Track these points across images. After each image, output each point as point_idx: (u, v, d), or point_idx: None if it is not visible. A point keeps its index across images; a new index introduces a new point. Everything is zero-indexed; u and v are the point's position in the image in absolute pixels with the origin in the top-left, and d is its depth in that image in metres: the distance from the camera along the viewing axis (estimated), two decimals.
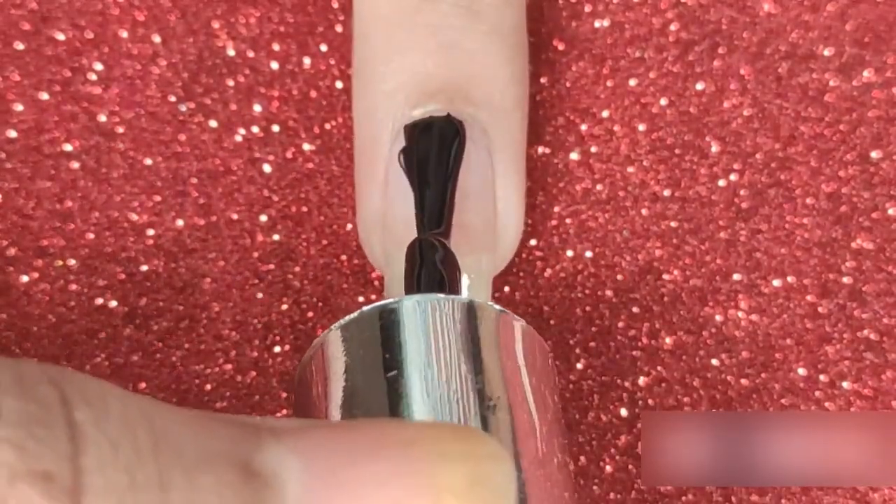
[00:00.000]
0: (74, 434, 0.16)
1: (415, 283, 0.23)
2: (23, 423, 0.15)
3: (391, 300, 0.22)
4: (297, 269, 0.27)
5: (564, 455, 0.22)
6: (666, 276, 0.27)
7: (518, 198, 0.25)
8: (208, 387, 0.26)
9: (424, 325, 0.21)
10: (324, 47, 0.28)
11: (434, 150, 0.24)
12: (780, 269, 0.27)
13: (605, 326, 0.27)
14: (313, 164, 0.28)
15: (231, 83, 0.28)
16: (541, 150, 0.28)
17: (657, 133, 0.28)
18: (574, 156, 0.28)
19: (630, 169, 0.28)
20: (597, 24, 0.29)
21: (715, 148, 0.28)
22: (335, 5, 0.29)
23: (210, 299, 0.27)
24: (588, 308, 0.27)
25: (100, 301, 0.27)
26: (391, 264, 0.25)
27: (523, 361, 0.22)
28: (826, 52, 0.28)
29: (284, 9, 0.28)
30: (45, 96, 0.28)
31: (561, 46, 0.29)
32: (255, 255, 0.27)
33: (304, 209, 0.27)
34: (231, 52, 0.28)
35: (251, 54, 0.28)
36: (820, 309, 0.27)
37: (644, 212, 0.27)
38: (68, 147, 0.27)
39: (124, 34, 0.28)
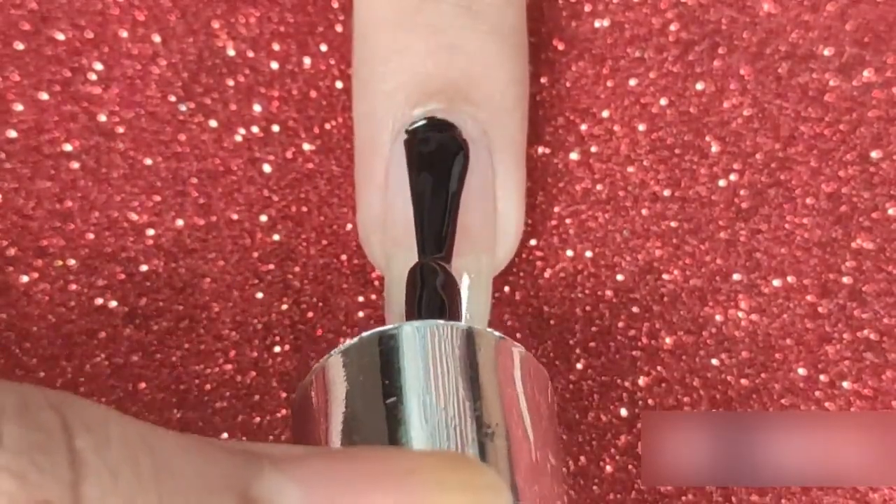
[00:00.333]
0: (75, 461, 0.16)
1: (415, 308, 0.23)
2: (24, 450, 0.15)
3: (391, 326, 0.22)
4: (297, 269, 0.27)
5: (562, 484, 0.22)
6: (666, 276, 0.27)
7: (518, 198, 0.25)
8: (208, 387, 0.26)
9: (423, 351, 0.21)
10: (324, 47, 0.28)
11: (435, 170, 0.24)
12: (780, 269, 0.27)
13: (605, 326, 0.27)
14: (313, 164, 0.28)
15: (231, 83, 0.28)
16: (541, 150, 0.28)
17: (657, 133, 0.28)
18: (574, 156, 0.28)
19: (630, 169, 0.28)
20: (597, 24, 0.29)
21: (715, 148, 0.28)
22: (335, 5, 0.29)
23: (210, 299, 0.27)
24: (588, 308, 0.27)
25: (100, 301, 0.27)
26: (391, 264, 0.25)
27: (522, 388, 0.22)
28: (826, 52, 0.28)
29: (284, 9, 0.28)
30: (45, 96, 0.28)
31: (561, 46, 0.29)
32: (255, 255, 0.27)
33: (304, 209, 0.27)
34: (231, 52, 0.28)
35: (251, 54, 0.28)
36: (820, 309, 0.27)
37: (644, 212, 0.27)
38: (68, 147, 0.27)
39: (124, 34, 0.28)
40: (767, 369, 0.26)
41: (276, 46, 0.28)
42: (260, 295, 0.27)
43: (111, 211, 0.27)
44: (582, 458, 0.26)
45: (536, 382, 0.22)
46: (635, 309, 0.27)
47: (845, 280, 0.27)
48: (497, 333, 0.22)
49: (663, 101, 0.28)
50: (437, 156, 0.25)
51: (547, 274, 0.27)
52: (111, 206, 0.27)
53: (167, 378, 0.26)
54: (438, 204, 0.24)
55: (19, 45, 0.28)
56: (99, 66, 0.28)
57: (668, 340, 0.27)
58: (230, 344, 0.27)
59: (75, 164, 0.27)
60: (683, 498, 0.26)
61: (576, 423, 0.26)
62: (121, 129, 0.27)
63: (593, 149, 0.28)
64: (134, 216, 0.27)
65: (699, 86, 0.28)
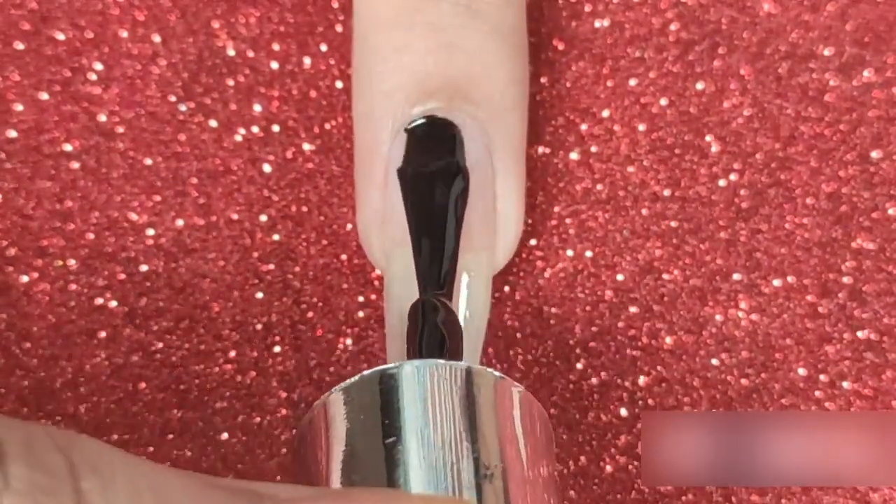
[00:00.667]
0: (81, 502, 0.16)
1: (416, 345, 0.23)
2: (30, 492, 0.16)
3: (391, 365, 0.22)
4: (297, 269, 0.27)
5: None
6: (666, 276, 0.27)
7: (518, 196, 0.25)
8: (208, 387, 0.26)
9: (423, 391, 0.21)
10: (324, 47, 0.28)
11: (433, 203, 0.25)
12: (780, 268, 0.27)
13: (605, 326, 0.27)
14: (313, 164, 0.28)
15: (231, 83, 0.28)
16: (541, 150, 0.28)
17: (657, 133, 0.28)
18: (574, 155, 0.28)
19: (630, 169, 0.28)
20: (597, 23, 0.29)
21: (715, 148, 0.28)
22: (335, 5, 0.29)
23: (210, 299, 0.27)
24: (588, 308, 0.27)
25: (100, 301, 0.27)
26: (391, 263, 0.25)
27: (521, 429, 0.22)
28: (826, 52, 0.28)
29: (284, 9, 0.28)
30: (45, 96, 0.28)
31: (561, 46, 0.29)
32: (255, 255, 0.27)
33: (304, 209, 0.27)
34: (231, 52, 0.28)
35: (251, 54, 0.28)
36: (820, 309, 0.27)
37: (644, 211, 0.27)
38: (68, 147, 0.27)
39: (124, 34, 0.28)
40: (767, 369, 0.26)
41: (276, 46, 0.28)
42: (260, 295, 0.27)
43: (111, 211, 0.27)
44: (582, 458, 0.26)
45: (536, 422, 0.22)
46: (635, 309, 0.27)
47: (845, 280, 0.27)
48: (497, 374, 0.22)
49: (663, 101, 0.28)
50: (435, 184, 0.25)
51: (547, 274, 0.27)
52: (111, 206, 0.27)
53: (167, 378, 0.26)
54: (438, 238, 0.24)
55: (19, 45, 0.28)
56: (99, 66, 0.28)
57: (668, 340, 0.27)
58: (230, 344, 0.27)
59: (75, 164, 0.27)
60: (683, 498, 0.26)
61: (576, 423, 0.26)
62: (121, 129, 0.27)
63: (593, 149, 0.28)
64: (134, 216, 0.27)
65: (699, 86, 0.28)
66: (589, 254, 0.27)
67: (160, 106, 0.28)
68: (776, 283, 0.27)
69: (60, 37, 0.28)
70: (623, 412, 0.26)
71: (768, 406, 0.26)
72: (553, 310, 0.27)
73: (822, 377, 0.26)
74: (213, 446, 0.26)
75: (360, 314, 0.27)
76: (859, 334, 0.27)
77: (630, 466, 0.26)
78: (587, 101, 0.28)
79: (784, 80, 0.28)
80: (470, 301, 0.24)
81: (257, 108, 0.28)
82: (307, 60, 0.28)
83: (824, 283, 0.27)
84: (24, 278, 0.27)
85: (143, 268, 0.27)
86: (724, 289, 0.27)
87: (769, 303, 0.27)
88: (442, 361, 0.22)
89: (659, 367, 0.26)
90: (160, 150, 0.27)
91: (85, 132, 0.27)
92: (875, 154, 0.28)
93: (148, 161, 0.27)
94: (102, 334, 0.26)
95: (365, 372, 0.22)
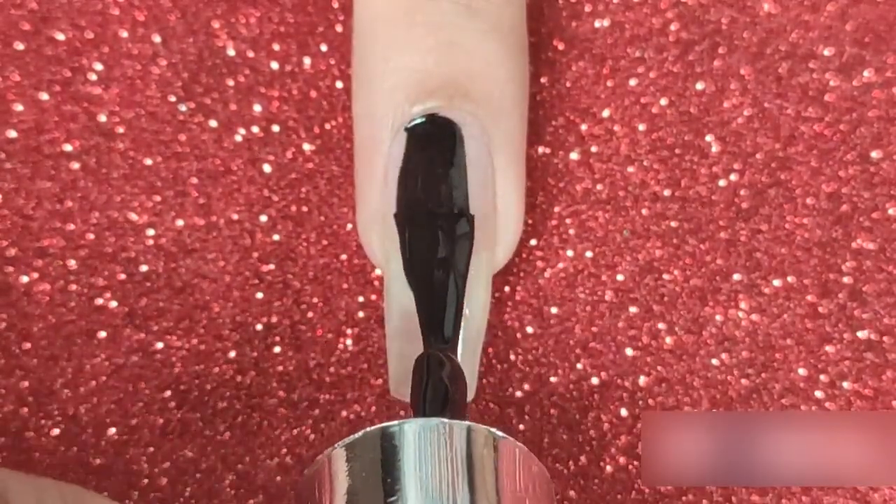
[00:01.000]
0: None
1: (421, 400, 0.23)
2: None
3: (393, 423, 0.22)
4: (297, 269, 0.27)
5: None
6: (666, 276, 0.27)
7: (518, 195, 0.25)
8: (208, 387, 0.26)
9: (424, 450, 0.21)
10: (324, 47, 0.28)
11: (436, 249, 0.24)
12: (781, 269, 0.27)
13: (605, 326, 0.27)
14: (313, 164, 0.28)
15: (231, 83, 0.28)
16: (541, 150, 0.28)
17: (657, 133, 0.28)
18: (574, 156, 0.28)
19: (630, 169, 0.28)
20: (597, 24, 0.29)
21: (715, 148, 0.28)
22: (335, 5, 0.29)
23: (210, 299, 0.27)
24: (588, 308, 0.27)
25: (100, 301, 0.27)
26: (391, 263, 0.25)
27: (523, 488, 0.22)
28: (826, 52, 0.28)
29: (284, 9, 0.28)
30: (45, 96, 0.28)
31: (561, 46, 0.29)
32: (255, 255, 0.27)
33: (304, 209, 0.27)
34: (231, 52, 0.28)
35: (251, 54, 0.28)
36: (820, 309, 0.27)
37: (644, 211, 0.27)
38: (68, 147, 0.27)
39: (124, 34, 0.28)
40: (768, 369, 0.26)
41: (276, 46, 0.28)
42: (260, 295, 0.27)
43: (111, 211, 0.27)
44: (582, 458, 0.26)
45: (535, 480, 0.22)
46: (635, 309, 0.27)
47: (845, 280, 0.27)
48: (497, 433, 0.22)
49: (663, 101, 0.28)
50: (437, 229, 0.24)
51: (547, 274, 0.27)
52: (111, 206, 0.27)
53: (167, 378, 0.26)
54: (441, 289, 0.24)
55: (19, 45, 0.28)
56: (99, 66, 0.28)
57: (668, 340, 0.27)
58: (230, 344, 0.27)
59: (75, 164, 0.27)
60: (683, 498, 0.26)
61: (576, 423, 0.26)
62: (121, 129, 0.27)
63: (593, 149, 0.28)
64: (134, 216, 0.27)
65: (699, 86, 0.28)
66: (589, 254, 0.27)
67: (160, 106, 0.28)
68: (776, 283, 0.27)
69: (60, 37, 0.28)
70: (623, 412, 0.26)
71: (768, 406, 0.26)
72: (553, 310, 0.27)
73: (823, 377, 0.26)
74: (213, 446, 0.26)
75: (360, 314, 0.27)
76: (859, 334, 0.27)
77: (630, 466, 0.26)
78: (587, 101, 0.28)
79: (784, 80, 0.28)
80: (470, 301, 0.24)
81: (257, 108, 0.28)
82: (307, 60, 0.28)
83: (824, 284, 0.27)
84: (24, 278, 0.27)
85: (143, 268, 0.27)
86: (724, 289, 0.27)
87: (769, 303, 0.27)
88: (444, 421, 0.22)
89: (659, 367, 0.26)
90: (160, 150, 0.27)
91: (85, 132, 0.27)
92: (875, 154, 0.28)
93: (148, 161, 0.27)
94: (102, 334, 0.26)
95: (368, 429, 0.22)
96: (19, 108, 0.27)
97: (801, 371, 0.26)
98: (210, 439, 0.26)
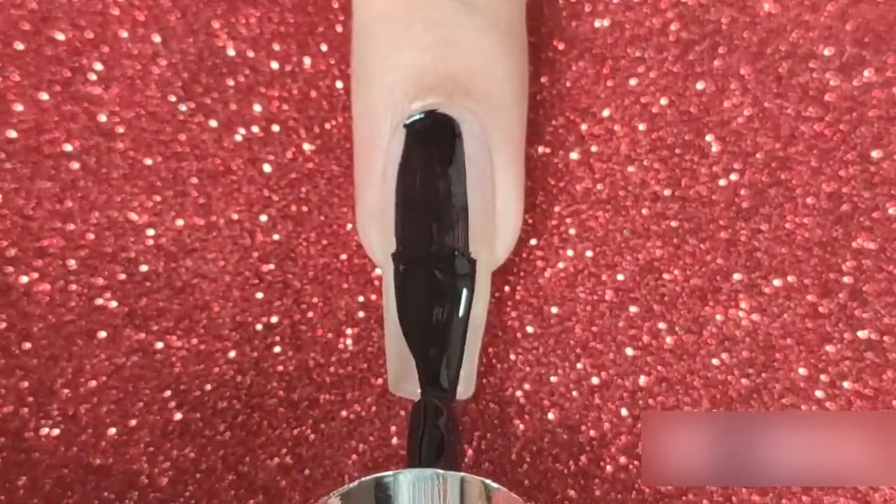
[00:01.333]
0: None
1: (416, 447, 0.23)
2: None
3: (388, 473, 0.22)
4: (297, 269, 0.27)
5: None
6: (666, 276, 0.27)
7: (517, 192, 0.25)
8: (208, 387, 0.26)
9: (418, 500, 0.22)
10: (324, 47, 0.28)
11: (435, 298, 0.24)
12: (781, 268, 0.27)
13: (605, 326, 0.27)
14: (313, 164, 0.28)
15: (231, 83, 0.28)
16: (541, 149, 0.28)
17: (657, 133, 0.28)
18: (574, 155, 0.28)
19: (630, 168, 0.28)
20: (597, 23, 0.29)
21: (715, 147, 0.28)
22: (335, 5, 0.29)
23: (210, 299, 0.27)
24: (588, 308, 0.27)
25: (100, 301, 0.27)
26: (389, 259, 0.25)
27: None
28: (826, 52, 0.28)
29: (284, 9, 0.28)
30: (45, 96, 0.28)
31: (561, 46, 0.29)
32: (255, 255, 0.27)
33: (304, 209, 0.27)
34: (231, 52, 0.28)
35: (251, 54, 0.28)
36: (820, 309, 0.27)
37: (644, 211, 0.27)
38: (68, 147, 0.27)
39: (124, 34, 0.28)
40: (768, 369, 0.26)
41: (276, 46, 0.28)
42: (260, 295, 0.27)
43: (111, 211, 0.27)
44: (582, 458, 0.26)
45: None
46: (636, 309, 0.27)
47: (846, 280, 0.27)
48: (491, 484, 0.22)
49: (663, 101, 0.28)
50: (441, 284, 0.24)
51: (547, 274, 0.27)
52: (111, 206, 0.27)
53: (167, 378, 0.26)
54: (440, 340, 0.24)
55: (19, 45, 0.28)
56: (99, 66, 0.28)
57: (668, 340, 0.27)
58: (230, 344, 0.27)
59: (75, 164, 0.27)
60: (684, 498, 0.26)
61: (576, 423, 0.26)
62: (121, 129, 0.27)
63: (594, 148, 0.28)
64: (134, 216, 0.27)
65: (699, 85, 0.28)
66: (589, 253, 0.27)
67: (160, 106, 0.28)
68: (777, 282, 0.27)
69: (60, 37, 0.28)
70: (623, 412, 0.26)
71: (769, 406, 0.26)
72: (553, 309, 0.27)
73: (823, 377, 0.26)
74: (213, 446, 0.26)
75: (361, 314, 0.27)
76: (860, 334, 0.26)
77: (630, 466, 0.26)
78: (587, 100, 0.28)
79: (784, 80, 0.28)
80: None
81: (257, 108, 0.28)
82: (307, 60, 0.28)
83: (825, 283, 0.27)
84: (24, 278, 0.27)
85: (143, 268, 0.27)
86: (724, 289, 0.27)
87: (770, 303, 0.27)
88: (438, 472, 0.22)
89: (659, 367, 0.26)
90: (160, 150, 0.27)
91: (85, 132, 0.27)
92: (875, 154, 0.28)
93: (148, 161, 0.27)
94: (102, 334, 0.26)
95: (363, 479, 0.22)
96: (19, 108, 0.27)
97: (802, 371, 0.26)
98: (210, 439, 0.26)
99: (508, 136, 0.25)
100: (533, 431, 0.26)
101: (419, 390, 0.24)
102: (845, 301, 0.27)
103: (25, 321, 0.26)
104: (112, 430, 0.26)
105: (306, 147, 0.28)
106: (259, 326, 0.27)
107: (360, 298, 0.27)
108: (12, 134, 0.27)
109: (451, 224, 0.24)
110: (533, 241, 0.27)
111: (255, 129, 0.28)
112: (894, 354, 0.26)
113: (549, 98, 0.28)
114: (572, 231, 0.27)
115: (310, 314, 0.27)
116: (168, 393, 0.26)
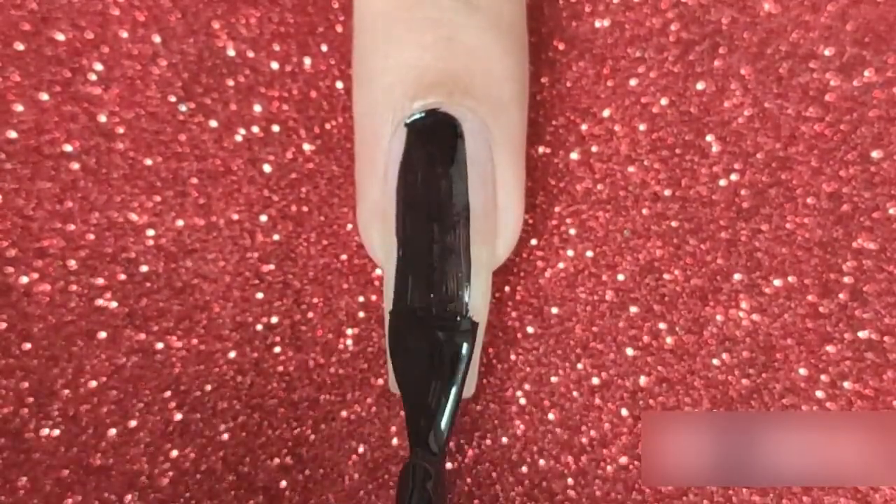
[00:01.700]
0: None
1: None
2: None
3: None
4: (297, 269, 0.27)
5: None
6: (667, 276, 0.27)
7: (518, 190, 0.25)
8: (208, 387, 0.26)
9: None
10: (324, 47, 0.28)
11: (433, 361, 0.24)
12: (781, 268, 0.27)
13: (605, 326, 0.27)
14: (313, 164, 0.28)
15: (231, 83, 0.28)
16: (541, 149, 0.28)
17: (658, 133, 0.28)
18: (574, 155, 0.28)
19: (631, 168, 0.28)
20: (597, 24, 0.29)
21: (715, 148, 0.28)
22: (335, 5, 0.29)
23: (210, 299, 0.27)
24: (588, 308, 0.27)
25: (100, 301, 0.27)
26: (390, 258, 0.25)
27: None
28: (826, 52, 0.28)
29: (284, 9, 0.28)
30: (45, 97, 0.28)
31: (561, 46, 0.29)
32: (255, 255, 0.27)
33: (305, 209, 0.27)
34: (231, 52, 0.28)
35: (251, 54, 0.28)
36: (821, 309, 0.27)
37: (645, 211, 0.27)
38: (68, 147, 0.27)
39: (124, 34, 0.28)
40: (768, 369, 0.26)
41: (276, 46, 0.28)
42: (260, 295, 0.27)
43: (111, 211, 0.27)
44: (582, 458, 0.26)
45: None
46: (636, 309, 0.27)
47: (846, 280, 0.27)
48: None
49: (664, 101, 0.28)
50: (441, 346, 0.24)
51: (547, 274, 0.27)
52: (111, 206, 0.27)
53: (167, 378, 0.26)
54: (434, 405, 0.24)
55: (19, 46, 0.28)
56: (99, 67, 0.28)
57: (668, 340, 0.27)
58: (230, 344, 0.27)
59: (75, 165, 0.27)
60: (684, 498, 0.26)
61: (576, 424, 0.26)
62: (121, 130, 0.27)
63: (594, 148, 0.28)
64: (134, 217, 0.27)
65: (700, 85, 0.28)
66: (589, 254, 0.27)
67: (160, 106, 0.28)
68: (777, 283, 0.27)
69: (60, 37, 0.28)
70: (623, 412, 0.26)
71: (769, 406, 0.26)
72: (553, 310, 0.27)
73: (823, 377, 0.26)
74: (213, 446, 0.26)
75: (361, 314, 0.27)
76: (860, 334, 0.26)
77: (630, 466, 0.26)
78: (587, 101, 0.28)
79: (785, 80, 0.28)
80: (469, 296, 0.24)
81: (257, 108, 0.28)
82: (307, 61, 0.28)
83: (825, 283, 0.27)
84: (24, 279, 0.27)
85: (144, 268, 0.27)
86: (724, 289, 0.27)
87: (770, 303, 0.27)
88: None
89: (659, 367, 0.26)
90: (160, 151, 0.27)
91: (85, 132, 0.27)
92: (876, 154, 0.28)
93: (148, 161, 0.27)
94: (102, 335, 0.26)
95: None
96: (19, 108, 0.27)
97: (802, 371, 0.26)
98: (210, 440, 0.26)
99: (509, 135, 0.25)
100: (533, 431, 0.26)
101: None
102: (846, 301, 0.27)
103: (25, 321, 0.26)
104: (112, 431, 0.26)
105: (306, 147, 0.28)
106: (259, 327, 0.27)
107: (361, 299, 0.27)
108: (12, 134, 0.27)
109: (452, 223, 0.24)
110: (533, 241, 0.27)
111: (255, 129, 0.28)
112: (895, 355, 0.26)
113: (549, 98, 0.28)
114: (572, 231, 0.27)
115: (310, 314, 0.27)
116: (168, 393, 0.26)
